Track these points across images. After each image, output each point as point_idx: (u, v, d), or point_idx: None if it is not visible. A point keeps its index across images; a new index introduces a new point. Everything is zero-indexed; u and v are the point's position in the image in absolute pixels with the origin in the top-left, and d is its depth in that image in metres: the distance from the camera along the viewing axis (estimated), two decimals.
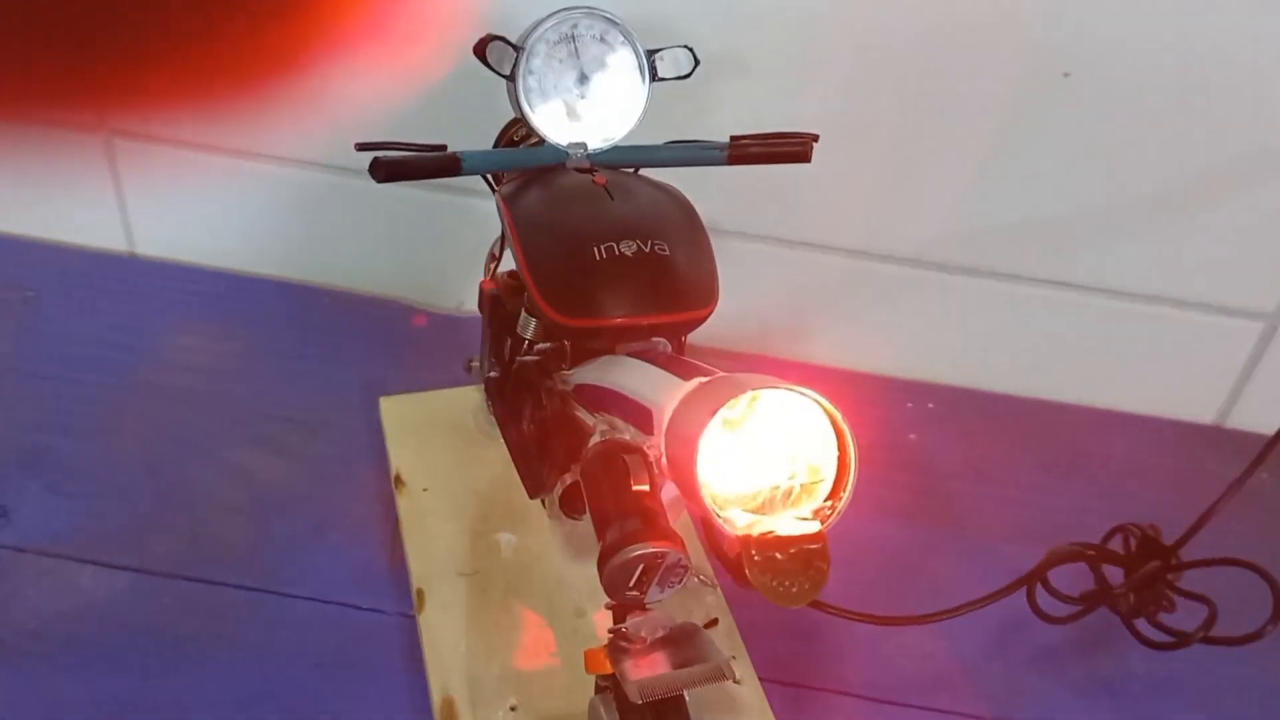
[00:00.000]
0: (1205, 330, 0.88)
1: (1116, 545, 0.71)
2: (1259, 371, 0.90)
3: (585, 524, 0.58)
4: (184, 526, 0.74)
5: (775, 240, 0.88)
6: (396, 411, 0.80)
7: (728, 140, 0.63)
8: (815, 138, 0.63)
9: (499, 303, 0.64)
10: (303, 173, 0.89)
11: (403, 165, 0.57)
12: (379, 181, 0.57)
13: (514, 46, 0.60)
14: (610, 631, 0.54)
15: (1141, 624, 0.69)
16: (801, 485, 0.42)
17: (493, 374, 0.64)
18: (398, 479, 0.75)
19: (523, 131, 0.68)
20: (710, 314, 0.54)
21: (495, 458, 0.75)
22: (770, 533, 0.40)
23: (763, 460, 0.42)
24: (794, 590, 0.39)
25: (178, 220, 0.94)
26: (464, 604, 0.67)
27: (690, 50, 0.63)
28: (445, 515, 0.73)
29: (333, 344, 0.90)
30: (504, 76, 0.60)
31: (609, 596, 0.46)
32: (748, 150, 0.63)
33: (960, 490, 0.84)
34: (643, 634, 0.53)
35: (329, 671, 0.66)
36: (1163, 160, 0.81)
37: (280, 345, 0.89)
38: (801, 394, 0.40)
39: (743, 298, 0.90)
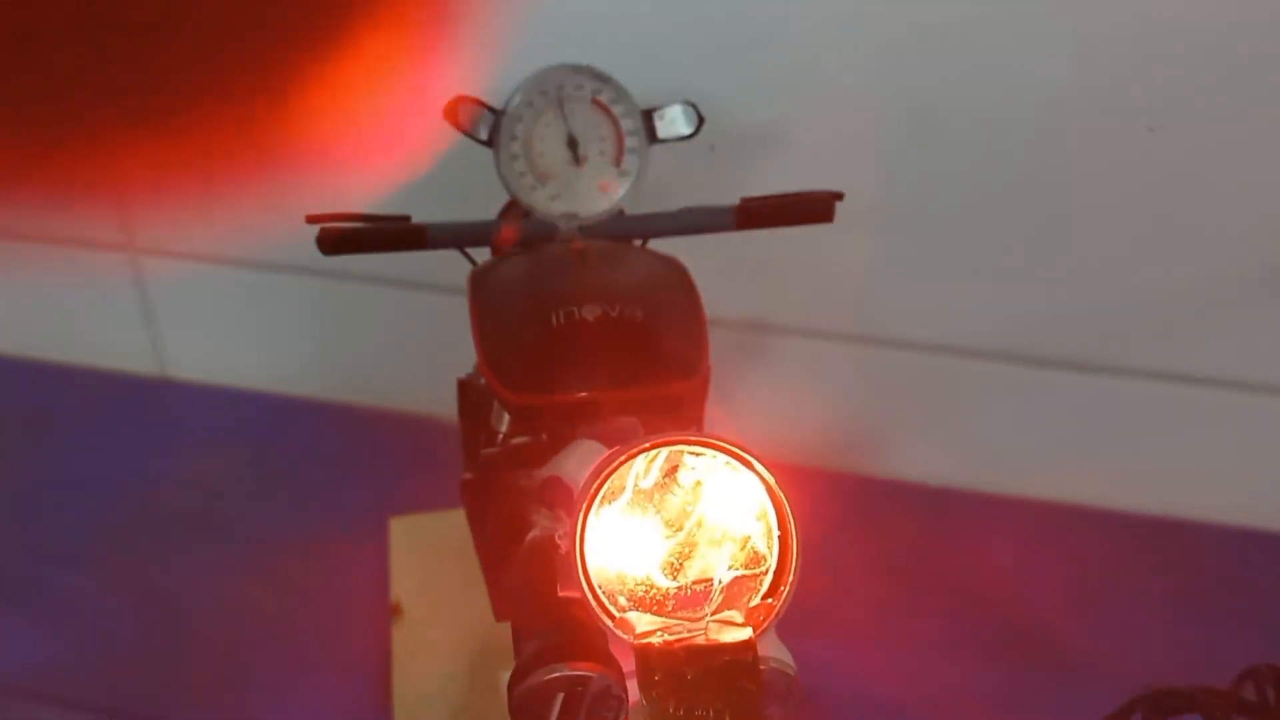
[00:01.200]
0: None
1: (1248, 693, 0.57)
2: None
3: None
4: (164, 665, 0.67)
5: (838, 337, 0.78)
6: (406, 533, 0.72)
7: (738, 202, 0.55)
8: (839, 195, 0.54)
9: (466, 391, 0.56)
10: (338, 285, 0.84)
11: (353, 236, 0.51)
12: (325, 254, 0.51)
13: (490, 109, 0.54)
14: None
15: None
16: (734, 578, 0.31)
17: (466, 475, 0.56)
18: (396, 607, 0.67)
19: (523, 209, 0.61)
20: (691, 387, 0.45)
21: None
22: (682, 640, 0.30)
23: (682, 545, 0.32)
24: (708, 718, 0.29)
25: (208, 338, 0.90)
26: None
27: (693, 106, 0.55)
28: (442, 649, 0.64)
29: (358, 465, 0.83)
30: (482, 143, 0.54)
31: None
32: (758, 211, 0.54)
33: (1062, 626, 0.70)
34: None
35: None
36: None
37: (302, 467, 0.83)
38: (714, 451, 0.30)
39: (803, 405, 0.80)
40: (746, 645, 0.30)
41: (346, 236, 0.50)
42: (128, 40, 0.62)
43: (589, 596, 0.32)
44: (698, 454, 0.33)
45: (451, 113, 0.53)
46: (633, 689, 0.33)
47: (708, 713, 0.29)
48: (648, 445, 0.32)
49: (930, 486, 0.81)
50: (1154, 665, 0.67)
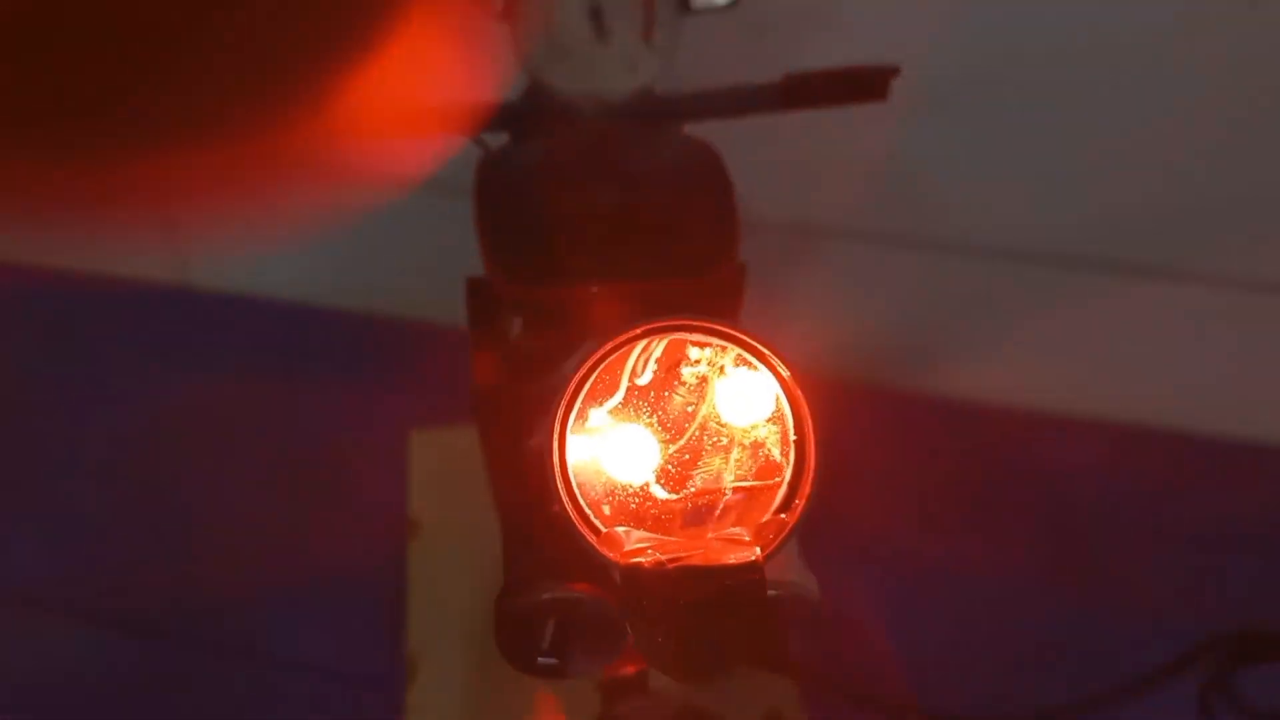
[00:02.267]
0: None
1: None
2: None
3: None
4: (173, 579, 0.64)
5: (891, 240, 0.72)
6: (426, 448, 0.68)
7: (781, 79, 0.49)
8: (896, 70, 0.48)
9: (477, 291, 0.50)
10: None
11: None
12: None
13: None
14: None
15: None
16: (743, 491, 0.26)
17: (475, 385, 0.51)
18: (413, 524, 0.63)
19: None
20: (717, 284, 0.40)
21: None
22: (677, 560, 0.25)
23: (683, 452, 0.27)
24: (707, 655, 0.24)
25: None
26: (462, 680, 0.54)
27: None
28: (460, 568, 0.60)
29: (380, 375, 0.79)
30: (496, 15, 0.49)
31: (508, 662, 0.31)
32: (806, 88, 0.48)
33: (1131, 559, 0.65)
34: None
35: None
36: None
37: (326, 379, 0.79)
38: (723, 341, 0.25)
39: (852, 315, 0.74)
40: (753, 566, 0.25)
41: None
42: None
43: (567, 506, 0.27)
44: (703, 345, 0.28)
45: None
46: None
47: (705, 646, 0.24)
48: (639, 331, 0.27)
49: (979, 404, 0.74)
50: (1226, 603, 0.62)
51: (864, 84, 0.48)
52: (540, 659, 0.30)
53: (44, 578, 0.65)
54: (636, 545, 0.27)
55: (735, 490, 0.28)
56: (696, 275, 0.39)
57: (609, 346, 0.28)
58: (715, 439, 0.28)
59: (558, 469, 0.27)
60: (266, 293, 0.86)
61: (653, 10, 0.49)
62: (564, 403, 0.27)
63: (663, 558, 0.26)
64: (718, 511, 0.28)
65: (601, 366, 0.28)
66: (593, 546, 0.27)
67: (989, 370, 0.74)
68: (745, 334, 0.27)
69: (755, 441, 0.28)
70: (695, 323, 0.28)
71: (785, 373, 0.27)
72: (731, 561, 0.25)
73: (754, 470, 0.28)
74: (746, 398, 0.28)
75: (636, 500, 0.29)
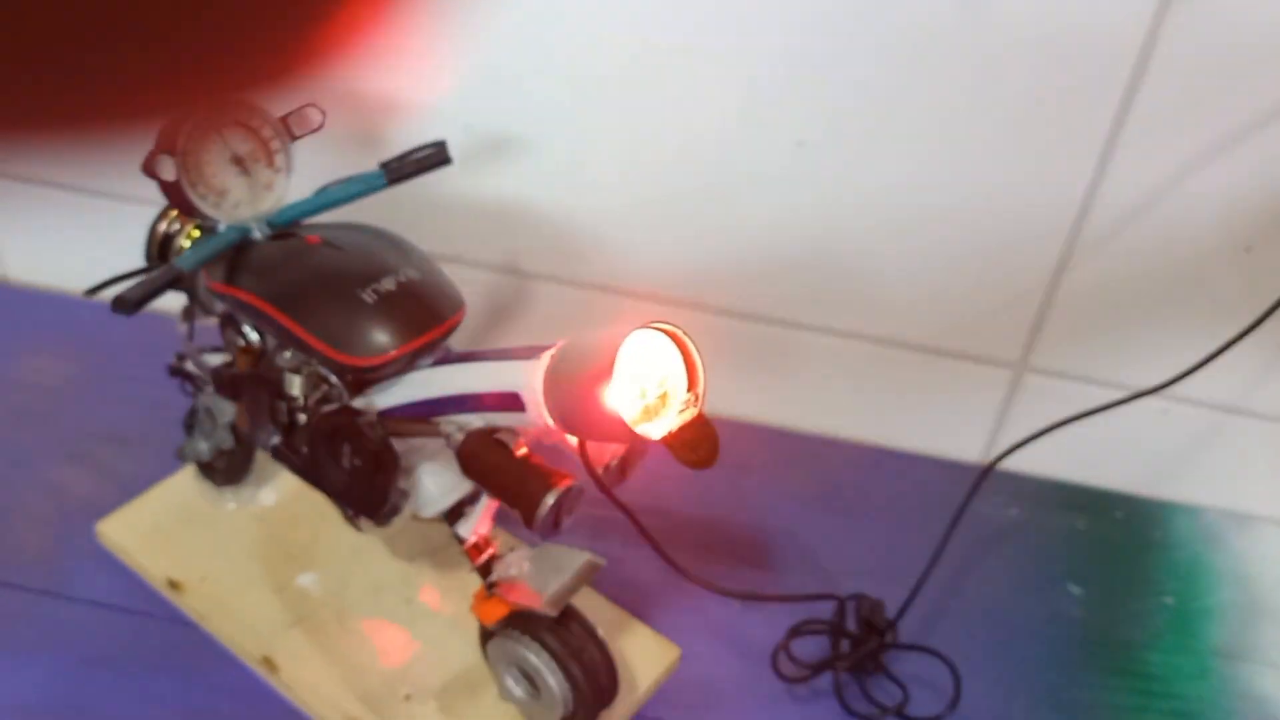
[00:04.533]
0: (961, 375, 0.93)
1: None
2: (1010, 416, 0.95)
3: (389, 530, 0.68)
4: None
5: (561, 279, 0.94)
6: (123, 528, 0.80)
7: (378, 167, 0.72)
8: (443, 141, 0.74)
9: (260, 378, 0.69)
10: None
11: (143, 290, 0.61)
12: (129, 314, 0.60)
13: (169, 153, 0.64)
14: (489, 585, 0.66)
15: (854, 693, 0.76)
16: (669, 392, 0.55)
17: (275, 440, 0.70)
18: (173, 584, 0.77)
19: (176, 225, 0.72)
20: (465, 310, 0.65)
21: (242, 526, 0.81)
22: (678, 426, 0.54)
23: (635, 385, 0.55)
24: (703, 454, 0.53)
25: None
26: (312, 648, 0.73)
27: (315, 105, 0.70)
28: (242, 591, 0.77)
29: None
30: (170, 184, 0.65)
31: (543, 538, 0.57)
32: (400, 169, 0.72)
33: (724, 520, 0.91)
34: (512, 572, 0.66)
35: (95, 671, 0.72)
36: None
37: (120, 369, 0.94)
38: (658, 328, 0.53)
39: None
40: (700, 415, 0.54)
41: (139, 293, 0.60)
42: None
43: (631, 424, 0.52)
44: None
45: (149, 168, 0.64)
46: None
47: (702, 449, 0.52)
48: (647, 326, 0.52)
49: None
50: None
51: (437, 157, 0.73)
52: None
53: None
54: (660, 431, 0.54)
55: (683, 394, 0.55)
56: (459, 311, 0.64)
57: (630, 334, 0.52)
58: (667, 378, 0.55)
59: (612, 409, 0.52)
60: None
61: (270, 146, 0.69)
62: (614, 370, 0.52)
63: (675, 429, 0.54)
64: (681, 402, 0.55)
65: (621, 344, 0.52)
66: (647, 435, 0.53)
67: None
68: (662, 323, 0.54)
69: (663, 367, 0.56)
70: (655, 324, 0.53)
71: (679, 332, 0.54)
72: (692, 416, 0.54)
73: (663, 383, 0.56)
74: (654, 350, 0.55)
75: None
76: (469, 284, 0.93)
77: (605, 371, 0.51)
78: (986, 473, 0.81)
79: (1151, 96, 0.75)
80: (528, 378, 0.56)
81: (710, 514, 0.90)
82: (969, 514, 0.87)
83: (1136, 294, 0.84)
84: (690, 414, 0.54)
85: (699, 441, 0.53)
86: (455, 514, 0.67)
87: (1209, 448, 0.92)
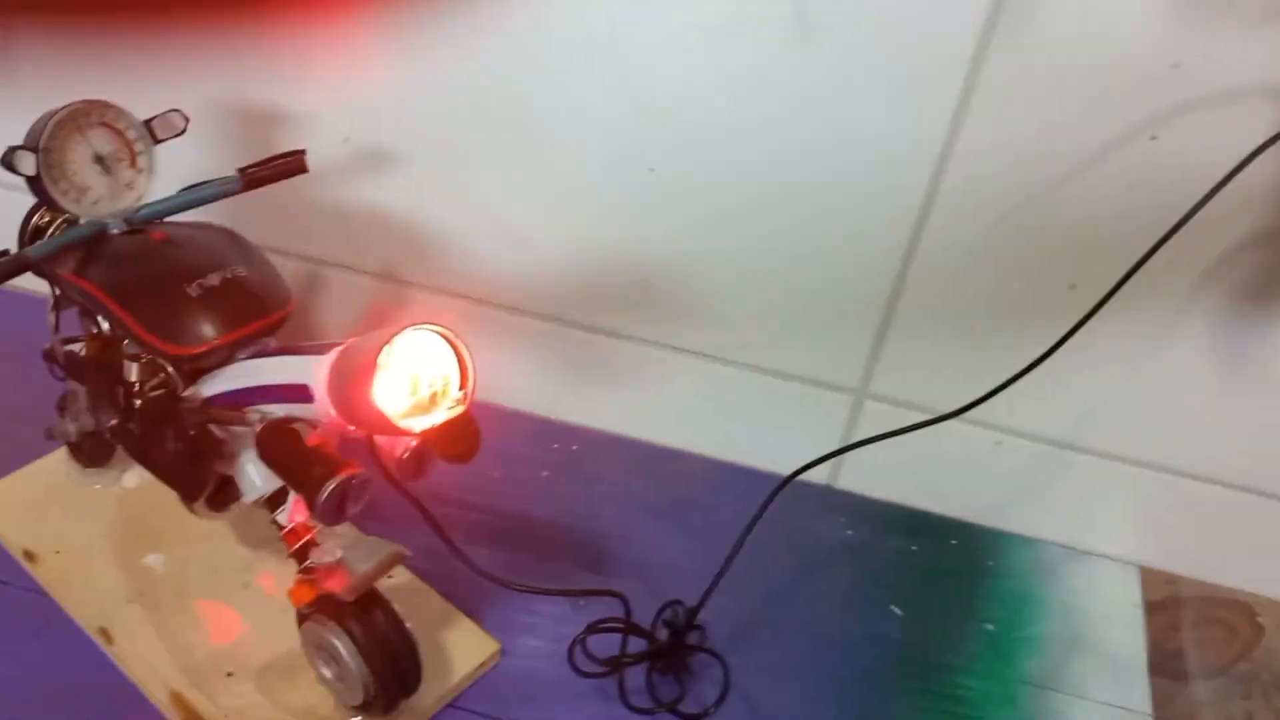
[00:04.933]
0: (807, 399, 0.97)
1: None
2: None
3: (228, 516, 0.73)
4: None
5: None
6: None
7: (235, 172, 0.77)
8: (302, 151, 0.79)
9: (101, 363, 0.73)
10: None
11: None
12: None
13: (28, 149, 0.69)
14: (303, 571, 0.70)
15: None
16: (440, 390, 0.60)
17: (113, 422, 0.74)
18: (29, 554, 0.81)
19: (48, 218, 0.77)
20: (290, 310, 0.70)
21: (103, 505, 0.86)
22: (441, 423, 0.58)
23: (407, 381, 0.59)
24: (460, 449, 0.58)
25: None
26: (146, 623, 0.77)
27: (179, 111, 0.75)
28: (90, 565, 0.81)
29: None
30: (31, 178, 0.69)
31: (326, 524, 0.61)
32: (257, 175, 0.77)
33: (566, 525, 0.95)
34: (325, 559, 0.70)
35: None
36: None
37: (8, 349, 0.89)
38: (428, 330, 0.58)
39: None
40: (467, 411, 0.58)
41: None
42: None
43: (392, 419, 0.57)
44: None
45: (9, 162, 0.68)
46: None
47: (462, 445, 0.57)
48: (412, 327, 0.57)
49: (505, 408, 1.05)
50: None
51: (294, 165, 0.78)
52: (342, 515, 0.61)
53: None
54: (424, 425, 0.58)
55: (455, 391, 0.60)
56: (285, 307, 0.69)
57: (395, 333, 0.56)
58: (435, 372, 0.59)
59: (377, 403, 0.57)
60: None
61: (134, 147, 0.74)
62: (375, 367, 0.56)
63: (437, 424, 0.58)
64: (435, 401, 0.59)
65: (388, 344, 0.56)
66: (409, 430, 0.57)
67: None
68: (431, 325, 0.58)
69: (445, 375, 0.60)
70: (423, 326, 0.58)
71: (451, 334, 0.59)
72: (458, 413, 0.58)
73: (441, 380, 0.60)
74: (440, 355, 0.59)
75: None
76: (351, 289, 1.01)
77: (370, 367, 0.56)
78: (786, 483, 0.84)
79: (973, 133, 0.80)
80: (316, 371, 0.60)
81: (557, 518, 0.94)
82: (805, 533, 0.91)
83: (967, 326, 0.88)
84: (459, 410, 0.59)
85: (459, 437, 0.58)
86: (277, 501, 0.71)
87: (1049, 481, 0.96)
